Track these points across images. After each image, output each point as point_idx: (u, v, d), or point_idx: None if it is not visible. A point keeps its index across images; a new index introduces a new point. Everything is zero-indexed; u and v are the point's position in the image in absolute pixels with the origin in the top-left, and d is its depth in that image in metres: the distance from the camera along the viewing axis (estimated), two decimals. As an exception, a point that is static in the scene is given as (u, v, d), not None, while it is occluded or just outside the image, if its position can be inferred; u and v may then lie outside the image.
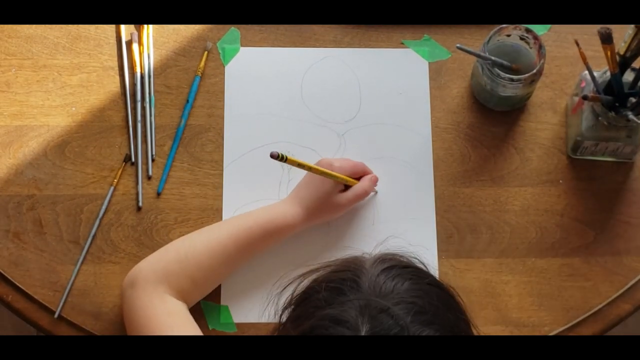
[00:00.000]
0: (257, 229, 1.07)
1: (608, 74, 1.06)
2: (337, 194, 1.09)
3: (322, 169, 1.07)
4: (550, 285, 1.12)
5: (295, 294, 0.87)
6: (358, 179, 1.12)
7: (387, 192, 1.14)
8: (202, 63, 1.18)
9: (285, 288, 0.90)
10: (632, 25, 1.03)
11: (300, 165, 1.05)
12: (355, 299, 0.80)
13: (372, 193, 1.14)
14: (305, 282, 0.87)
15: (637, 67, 1.06)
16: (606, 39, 1.01)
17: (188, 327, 1.01)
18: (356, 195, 1.10)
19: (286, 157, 1.00)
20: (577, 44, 1.04)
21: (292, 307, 0.87)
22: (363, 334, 0.77)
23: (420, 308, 0.80)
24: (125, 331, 1.08)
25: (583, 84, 1.10)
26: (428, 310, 0.80)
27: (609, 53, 1.02)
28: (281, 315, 0.88)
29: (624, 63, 1.05)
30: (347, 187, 1.11)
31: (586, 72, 1.08)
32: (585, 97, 1.04)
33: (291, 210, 1.08)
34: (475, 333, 0.87)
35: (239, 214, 1.12)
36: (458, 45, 1.08)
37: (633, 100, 1.06)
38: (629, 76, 1.07)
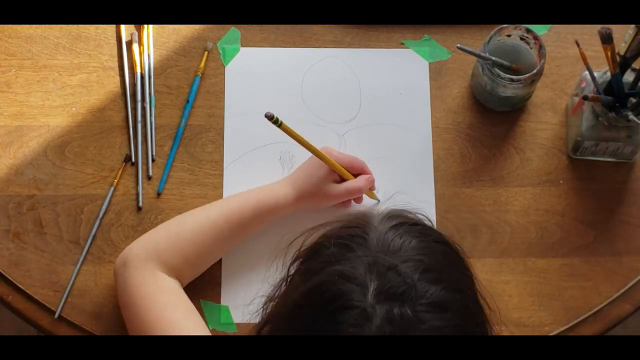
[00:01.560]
0: (248, 208, 1.07)
1: (608, 74, 1.06)
2: (331, 183, 1.09)
3: (314, 148, 1.07)
4: (550, 285, 1.12)
5: (303, 248, 0.88)
6: (355, 176, 1.11)
7: (387, 192, 1.14)
8: (203, 63, 1.18)
9: (292, 243, 0.90)
10: (633, 26, 1.03)
11: (293, 136, 1.04)
12: (364, 255, 0.81)
13: (374, 201, 1.14)
14: (313, 237, 0.87)
15: (638, 67, 1.06)
16: (606, 39, 1.01)
17: (182, 304, 1.02)
18: (348, 190, 1.09)
19: (280, 122, 1.00)
20: (578, 44, 1.04)
21: (301, 260, 0.87)
22: (371, 290, 0.78)
23: (427, 266, 0.80)
24: (125, 331, 1.08)
25: (583, 84, 1.10)
26: (434, 267, 0.81)
27: (609, 53, 1.02)
28: (289, 268, 0.88)
29: (624, 63, 1.05)
30: (342, 180, 1.10)
31: (586, 72, 1.08)
32: (585, 98, 1.04)
33: (282, 191, 1.09)
34: (478, 288, 0.87)
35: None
36: (458, 45, 1.08)
37: (633, 100, 1.06)
38: (629, 76, 1.07)
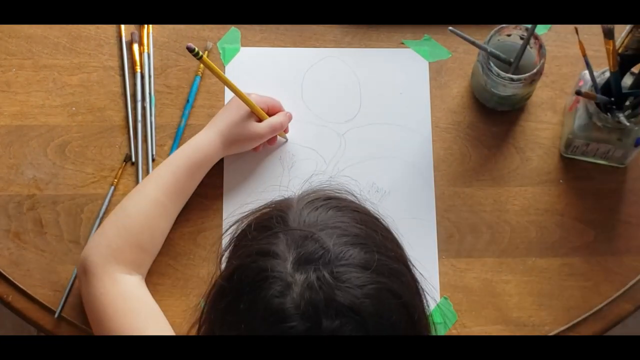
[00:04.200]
0: (181, 171, 1.08)
1: (607, 74, 1.06)
2: (252, 122, 1.11)
3: (236, 88, 1.09)
4: (550, 285, 1.12)
5: (231, 240, 0.90)
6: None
7: (387, 191, 1.14)
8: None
9: (223, 236, 0.93)
10: (629, 26, 1.03)
11: (214, 72, 1.06)
12: (281, 231, 0.83)
13: (282, 139, 1.16)
14: (241, 227, 0.90)
15: (637, 71, 1.06)
16: (608, 35, 1.01)
17: (143, 308, 1.03)
18: (271, 126, 1.12)
19: (201, 55, 1.02)
20: (577, 32, 1.03)
21: (228, 251, 0.89)
22: (290, 260, 0.80)
23: (344, 232, 0.82)
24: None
25: (581, 83, 1.10)
26: (351, 232, 0.83)
27: (610, 48, 1.02)
28: (220, 262, 0.90)
29: (622, 65, 1.05)
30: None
31: (585, 72, 1.08)
32: (578, 93, 1.04)
33: (207, 139, 1.10)
34: (406, 254, 0.89)
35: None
36: (450, 28, 1.07)
37: (628, 103, 1.06)
38: (628, 80, 1.07)
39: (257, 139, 1.12)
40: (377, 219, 0.89)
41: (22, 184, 1.14)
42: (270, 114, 1.13)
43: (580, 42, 1.04)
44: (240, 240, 0.87)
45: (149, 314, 1.02)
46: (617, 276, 1.12)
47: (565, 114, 1.15)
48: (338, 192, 0.91)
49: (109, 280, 1.02)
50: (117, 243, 1.04)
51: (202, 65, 1.18)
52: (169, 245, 1.12)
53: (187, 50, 1.00)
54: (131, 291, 1.03)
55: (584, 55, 1.05)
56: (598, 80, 1.07)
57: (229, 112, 1.11)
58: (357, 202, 0.91)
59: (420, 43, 1.20)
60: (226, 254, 0.89)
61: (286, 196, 0.91)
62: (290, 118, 1.15)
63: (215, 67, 1.05)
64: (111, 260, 1.03)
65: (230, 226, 0.91)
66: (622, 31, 1.05)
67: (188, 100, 1.17)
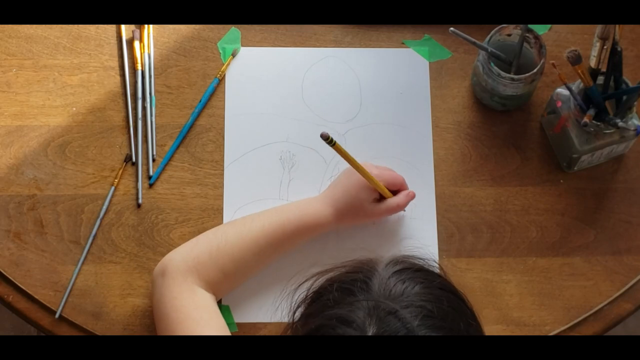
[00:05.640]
0: (289, 226, 1.06)
1: (582, 84, 1.06)
2: (371, 203, 1.08)
3: (365, 170, 1.06)
4: (551, 285, 1.12)
5: (309, 293, 0.87)
6: (394, 192, 1.10)
7: (387, 191, 1.14)
8: (225, 67, 1.18)
9: (300, 285, 0.89)
10: (596, 38, 1.03)
11: (345, 156, 1.04)
12: (364, 299, 0.80)
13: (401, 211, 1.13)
14: (320, 282, 0.87)
15: (603, 69, 1.07)
16: (576, 61, 1.01)
17: (214, 321, 1.02)
18: (389, 209, 1.09)
19: (335, 142, 1.00)
20: (554, 66, 1.03)
21: (305, 305, 0.87)
22: (370, 334, 0.77)
23: (429, 312, 0.79)
24: (126, 330, 1.08)
25: (559, 104, 1.10)
26: (437, 315, 0.79)
27: (580, 71, 1.03)
28: (294, 313, 0.88)
29: (594, 73, 1.06)
30: (381, 196, 1.10)
31: (559, 90, 1.09)
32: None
33: (324, 210, 1.08)
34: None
35: (275, 206, 1.10)
36: (452, 29, 1.07)
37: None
38: (600, 81, 1.08)
39: (370, 218, 1.10)
40: (463, 302, 0.85)
41: (22, 184, 1.14)
42: (392, 190, 1.10)
43: (560, 75, 1.04)
44: (320, 298, 0.84)
45: (219, 327, 1.01)
46: (617, 276, 1.12)
47: (552, 136, 1.15)
48: (426, 262, 0.87)
49: (186, 288, 1.02)
50: (204, 258, 1.04)
51: (223, 69, 1.18)
52: (169, 245, 1.12)
53: (320, 137, 0.98)
54: (205, 304, 1.03)
55: (565, 83, 1.04)
56: (575, 90, 1.06)
57: (351, 191, 1.08)
58: (444, 277, 0.87)
59: (420, 43, 1.20)
60: (300, 309, 0.87)
61: (372, 257, 0.87)
62: (411, 198, 1.10)
63: (347, 152, 1.03)
64: (194, 271, 1.03)
65: (307, 279, 0.88)
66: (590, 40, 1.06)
67: (201, 101, 1.17)
